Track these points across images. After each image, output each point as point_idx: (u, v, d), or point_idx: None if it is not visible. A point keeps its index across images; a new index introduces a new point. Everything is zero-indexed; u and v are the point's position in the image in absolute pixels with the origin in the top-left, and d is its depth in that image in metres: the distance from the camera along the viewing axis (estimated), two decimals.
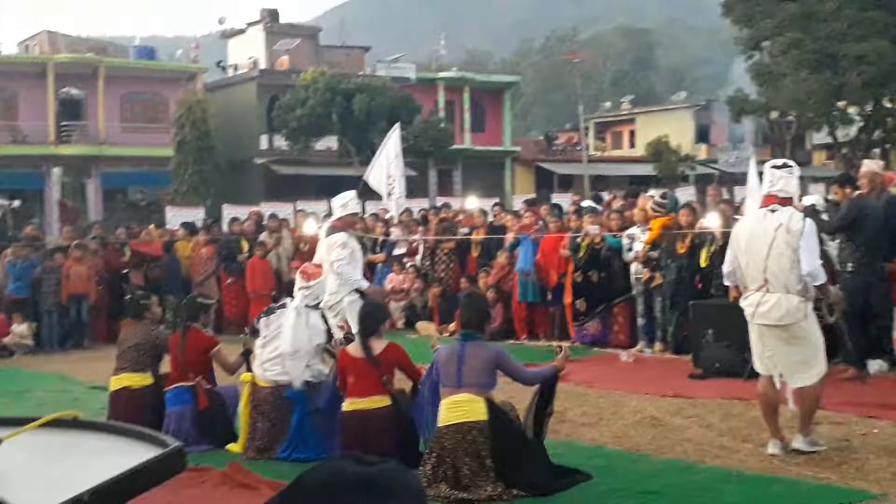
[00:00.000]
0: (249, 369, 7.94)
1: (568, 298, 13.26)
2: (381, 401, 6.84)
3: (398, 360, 7.05)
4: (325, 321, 8.08)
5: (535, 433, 6.50)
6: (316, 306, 7.90)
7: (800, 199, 8.39)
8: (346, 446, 6.74)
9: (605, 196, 18.43)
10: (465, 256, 15.74)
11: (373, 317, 7.24)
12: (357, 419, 6.84)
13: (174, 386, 7.91)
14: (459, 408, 6.17)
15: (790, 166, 6.92)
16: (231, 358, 8.23)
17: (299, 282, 7.95)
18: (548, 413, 6.63)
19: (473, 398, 6.17)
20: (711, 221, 11.45)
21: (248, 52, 46.33)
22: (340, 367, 7.19)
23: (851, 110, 40.37)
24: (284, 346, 7.53)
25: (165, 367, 8.36)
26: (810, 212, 8.39)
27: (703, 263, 11.43)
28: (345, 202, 9.71)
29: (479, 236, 15.50)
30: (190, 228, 17.37)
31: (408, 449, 6.73)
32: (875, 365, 9.90)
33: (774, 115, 42.46)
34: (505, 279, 14.37)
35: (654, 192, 14.21)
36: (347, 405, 6.95)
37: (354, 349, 7.07)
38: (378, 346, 7.00)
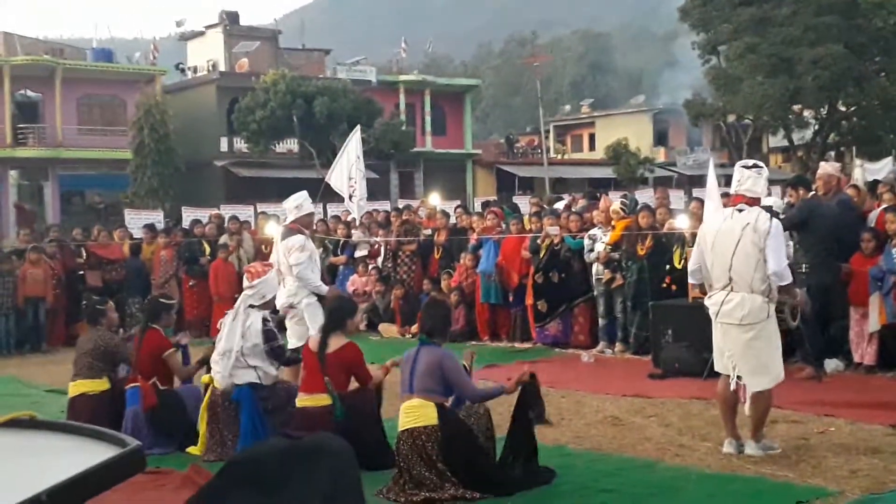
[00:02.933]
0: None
1: (529, 300, 13.30)
2: (325, 399, 6.83)
3: (350, 361, 6.98)
4: (269, 322, 7.96)
5: (529, 446, 6.43)
6: (263, 306, 7.80)
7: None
8: None
9: (567, 198, 18.48)
10: (428, 258, 15.73)
11: (341, 311, 7.20)
12: (304, 415, 6.84)
13: (130, 385, 7.86)
14: (411, 413, 6.16)
15: (759, 167, 6.99)
16: (181, 365, 8.19)
17: (245, 281, 7.88)
18: (535, 418, 6.55)
19: (424, 403, 6.15)
20: (682, 222, 11.51)
21: (207, 54, 46.08)
22: (303, 359, 7.21)
23: (807, 114, 40.92)
24: (220, 346, 7.53)
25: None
26: (768, 213, 8.46)
27: (677, 264, 11.46)
28: (298, 203, 9.45)
29: (440, 238, 15.51)
30: (152, 230, 17.24)
31: (365, 447, 6.71)
32: (832, 364, 10.03)
33: (731, 118, 42.90)
34: (467, 280, 14.39)
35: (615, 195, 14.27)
36: (298, 401, 6.98)
37: (314, 342, 7.06)
38: (336, 343, 6.95)
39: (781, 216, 10.42)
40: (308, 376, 6.97)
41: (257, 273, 7.82)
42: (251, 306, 7.66)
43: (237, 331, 7.50)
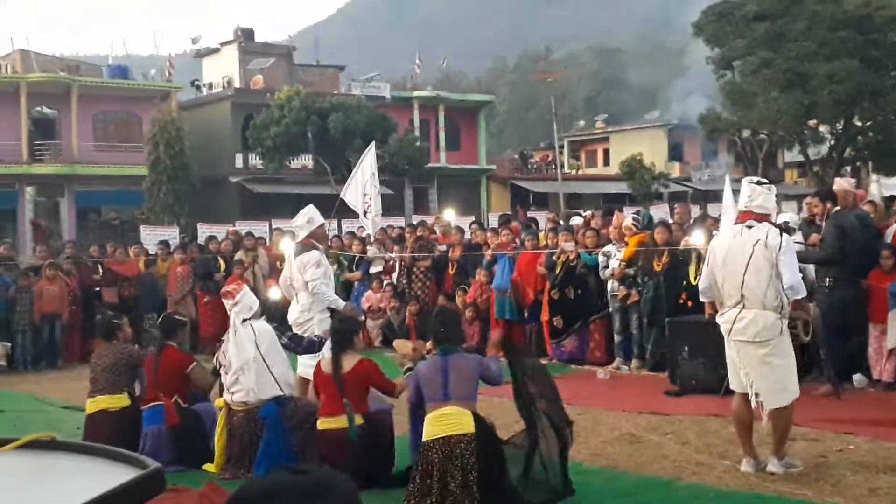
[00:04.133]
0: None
1: (545, 316, 13.26)
2: (346, 421, 6.81)
3: (369, 377, 6.99)
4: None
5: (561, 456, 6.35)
6: (256, 316, 7.78)
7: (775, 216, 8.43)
8: (323, 464, 6.69)
9: (586, 214, 18.48)
10: (442, 274, 15.72)
11: (344, 332, 7.21)
12: (329, 439, 6.82)
13: (150, 405, 7.85)
14: (447, 421, 6.13)
15: (767, 184, 6.97)
16: (207, 376, 8.18)
17: (227, 304, 7.84)
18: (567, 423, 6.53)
19: (461, 411, 6.15)
20: (697, 238, 11.44)
21: (222, 70, 46.30)
22: (315, 383, 7.18)
23: (822, 129, 40.84)
24: (234, 364, 7.49)
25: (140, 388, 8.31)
26: (784, 229, 8.43)
27: (693, 280, 11.41)
28: (309, 217, 9.40)
29: (455, 254, 15.50)
30: (167, 247, 17.31)
31: (383, 467, 6.70)
32: (854, 380, 9.95)
33: (747, 133, 42.84)
34: (482, 296, 14.37)
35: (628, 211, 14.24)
36: (320, 424, 6.94)
37: (326, 364, 7.05)
38: (349, 362, 6.96)
39: (797, 233, 10.39)
40: (327, 399, 6.94)
41: (233, 292, 7.81)
42: (245, 319, 7.66)
43: (245, 343, 7.49)
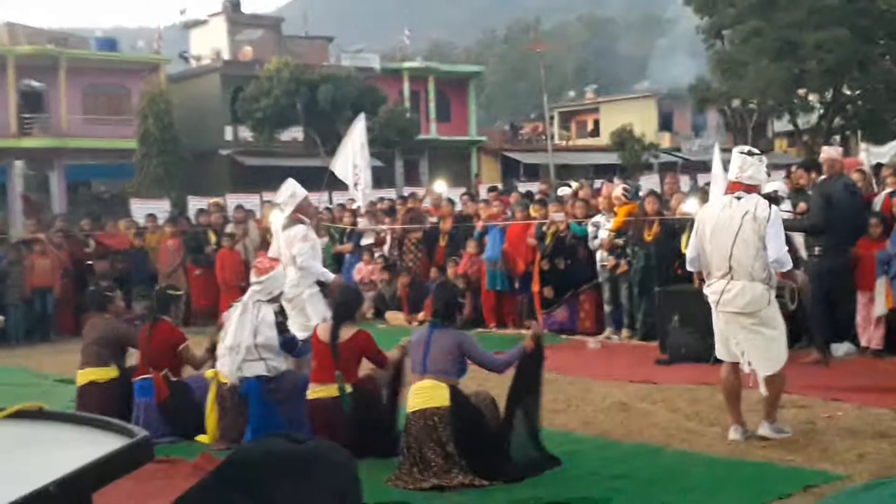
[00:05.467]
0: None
1: (535, 286, 13.30)
2: (336, 389, 6.83)
3: (363, 349, 7.01)
4: (282, 315, 7.95)
5: (529, 421, 6.46)
6: (271, 301, 7.76)
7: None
8: (315, 433, 6.73)
9: (574, 185, 18.49)
10: (433, 246, 15.73)
11: (347, 304, 7.24)
12: (320, 407, 6.85)
13: (141, 377, 7.86)
14: (423, 393, 6.21)
15: (759, 154, 6.94)
16: (198, 354, 8.19)
17: (252, 277, 7.83)
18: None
19: (436, 384, 6.20)
20: (691, 207, 11.44)
21: (210, 42, 45.98)
22: (312, 347, 7.22)
23: (812, 98, 40.74)
24: (227, 340, 7.49)
25: (133, 359, 8.32)
26: (773, 198, 8.44)
27: (683, 249, 11.42)
28: (292, 192, 9.35)
29: (446, 226, 15.50)
30: (155, 219, 17.31)
31: (374, 435, 6.73)
32: (842, 348, 10.03)
33: (736, 103, 42.76)
34: (472, 268, 14.39)
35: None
36: (310, 392, 6.96)
37: (323, 331, 7.06)
38: (346, 333, 6.98)
39: (786, 202, 10.42)
40: (319, 367, 6.97)
41: (265, 269, 7.77)
42: (259, 301, 7.66)
43: (247, 325, 7.47)
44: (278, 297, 7.96)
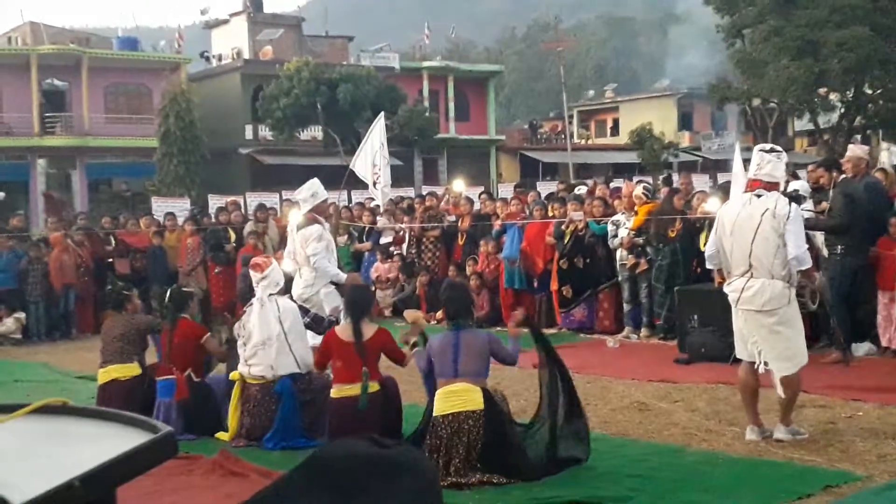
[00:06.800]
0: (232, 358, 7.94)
1: (554, 285, 13.27)
2: (370, 387, 6.85)
3: (384, 345, 7.05)
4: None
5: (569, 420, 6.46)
6: (281, 293, 7.82)
7: (786, 185, 8.41)
8: (334, 432, 6.75)
9: (588, 183, 18.44)
10: (452, 245, 15.72)
11: (360, 300, 7.27)
12: (345, 406, 6.84)
13: (163, 377, 7.91)
14: (457, 397, 6.17)
15: (779, 151, 6.91)
16: (220, 347, 8.24)
17: (254, 276, 7.85)
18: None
19: (471, 387, 6.19)
20: (712, 205, 11.37)
21: (231, 42, 46.16)
22: (324, 348, 7.21)
23: (833, 97, 40.49)
24: (255, 338, 7.50)
25: (150, 357, 8.36)
26: (794, 197, 8.40)
27: (703, 248, 11.37)
28: (314, 191, 9.34)
29: (465, 224, 15.49)
30: (174, 217, 17.43)
31: (393, 434, 6.74)
32: (863, 348, 9.96)
33: (757, 102, 42.55)
34: (490, 267, 14.38)
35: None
36: (336, 391, 6.95)
37: (343, 331, 7.06)
38: (368, 330, 7.01)
39: (808, 201, 10.36)
40: (344, 367, 6.95)
41: (263, 265, 7.82)
42: (271, 294, 7.69)
43: (270, 318, 7.51)
44: (284, 287, 7.97)
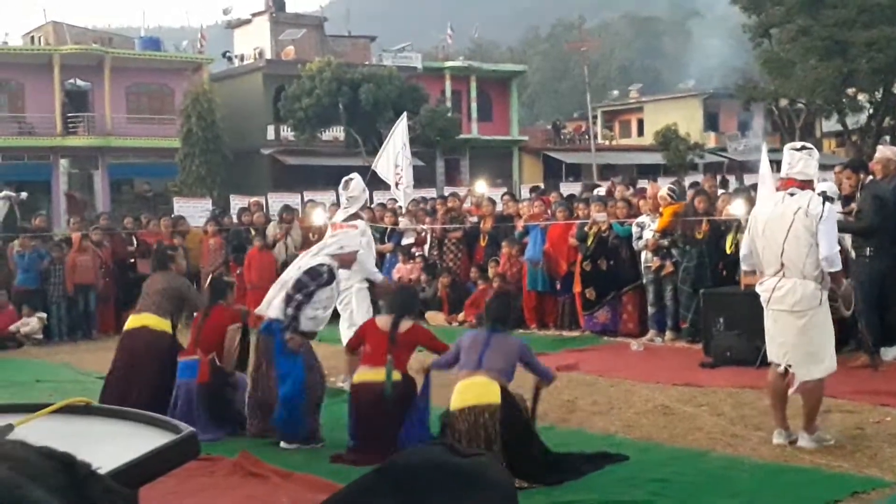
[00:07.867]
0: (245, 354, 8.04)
1: (577, 287, 13.21)
2: (393, 374, 6.91)
3: (420, 340, 7.20)
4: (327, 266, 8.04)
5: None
6: (338, 257, 7.90)
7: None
8: (356, 416, 6.92)
9: (605, 185, 18.37)
10: (474, 246, 15.69)
11: (407, 302, 7.41)
12: (368, 390, 6.91)
13: (186, 358, 7.91)
14: (475, 389, 6.14)
15: (810, 149, 6.84)
16: (234, 341, 8.28)
17: (329, 231, 8.32)
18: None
19: (489, 381, 6.16)
20: (737, 208, 11.28)
21: (253, 42, 46.30)
22: (361, 332, 7.41)
23: (861, 97, 40.26)
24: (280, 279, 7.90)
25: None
26: (825, 198, 8.29)
27: (728, 250, 11.30)
28: (363, 188, 9.88)
29: (487, 225, 15.45)
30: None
31: (413, 428, 6.76)
32: (892, 352, 9.83)
33: (784, 102, 42.32)
34: (511, 269, 14.32)
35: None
36: (359, 375, 7.05)
37: (383, 322, 7.21)
38: (404, 326, 7.14)
39: (837, 203, 10.24)
40: (372, 352, 7.06)
41: (340, 226, 8.02)
42: (319, 252, 7.89)
43: (294, 268, 7.82)
44: (346, 256, 8.02)
